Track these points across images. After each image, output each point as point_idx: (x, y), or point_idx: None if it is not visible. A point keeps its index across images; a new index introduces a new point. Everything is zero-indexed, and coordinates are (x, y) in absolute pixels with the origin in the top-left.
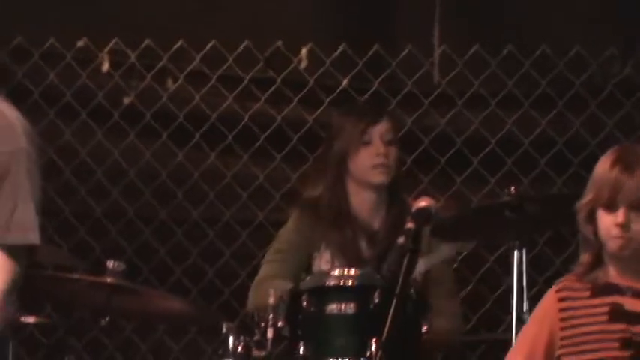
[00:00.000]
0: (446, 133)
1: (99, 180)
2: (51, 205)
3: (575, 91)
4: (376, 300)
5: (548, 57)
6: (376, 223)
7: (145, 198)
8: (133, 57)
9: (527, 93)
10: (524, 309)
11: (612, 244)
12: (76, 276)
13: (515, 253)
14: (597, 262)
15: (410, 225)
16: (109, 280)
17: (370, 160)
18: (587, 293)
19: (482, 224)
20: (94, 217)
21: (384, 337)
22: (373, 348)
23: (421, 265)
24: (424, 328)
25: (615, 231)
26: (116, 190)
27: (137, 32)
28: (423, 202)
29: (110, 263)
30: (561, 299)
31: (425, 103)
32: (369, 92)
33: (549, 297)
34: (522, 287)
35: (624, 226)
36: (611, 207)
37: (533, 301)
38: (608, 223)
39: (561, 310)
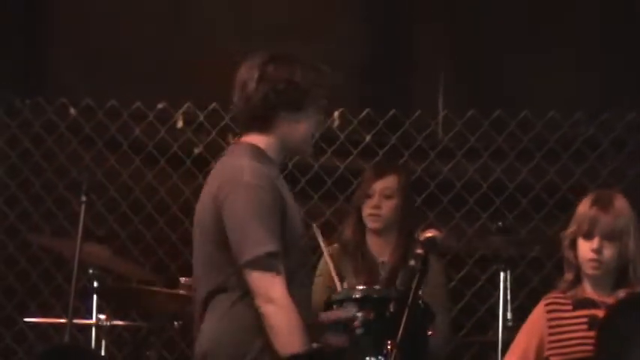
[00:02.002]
0: (447, 179)
1: (174, 213)
2: (136, 233)
3: (550, 146)
4: (391, 309)
5: (529, 119)
6: (386, 256)
7: None
8: (201, 117)
9: (512, 147)
10: (509, 317)
11: (588, 266)
12: (155, 289)
13: (502, 273)
14: (577, 280)
15: (419, 251)
16: (181, 292)
17: (367, 210)
18: (570, 307)
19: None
20: (170, 242)
21: (397, 338)
22: (389, 347)
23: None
24: (430, 332)
25: (591, 255)
26: (187, 221)
27: (205, 97)
28: (429, 233)
29: (183, 279)
30: (549, 311)
31: (431, 155)
32: (387, 146)
33: (539, 310)
34: (507, 300)
35: (598, 251)
36: (588, 236)
37: (516, 311)
38: (586, 248)
39: (549, 319)
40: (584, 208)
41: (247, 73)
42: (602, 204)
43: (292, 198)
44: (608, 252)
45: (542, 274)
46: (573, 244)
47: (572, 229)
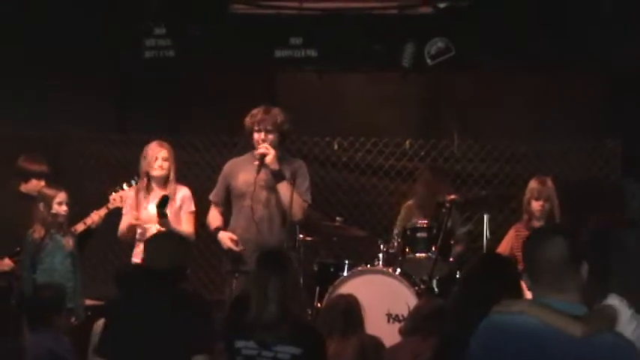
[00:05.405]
0: (460, 170)
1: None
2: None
3: (507, 156)
4: (434, 232)
5: (492, 146)
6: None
7: None
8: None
9: (484, 157)
10: (488, 236)
11: (538, 214)
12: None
13: (485, 215)
14: (528, 218)
15: (447, 205)
16: (337, 224)
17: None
18: (524, 229)
19: (473, 205)
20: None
21: (438, 244)
22: (433, 248)
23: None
24: (452, 241)
25: (539, 208)
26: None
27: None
28: (452, 196)
29: (338, 218)
30: (516, 232)
31: (451, 160)
32: (430, 157)
33: (511, 231)
34: (487, 227)
35: (543, 206)
36: (538, 198)
37: (492, 235)
38: (536, 206)
39: (516, 236)
40: (532, 185)
41: None
42: (542, 183)
43: (248, 173)
44: (547, 207)
45: (502, 215)
46: (529, 202)
47: (527, 196)
